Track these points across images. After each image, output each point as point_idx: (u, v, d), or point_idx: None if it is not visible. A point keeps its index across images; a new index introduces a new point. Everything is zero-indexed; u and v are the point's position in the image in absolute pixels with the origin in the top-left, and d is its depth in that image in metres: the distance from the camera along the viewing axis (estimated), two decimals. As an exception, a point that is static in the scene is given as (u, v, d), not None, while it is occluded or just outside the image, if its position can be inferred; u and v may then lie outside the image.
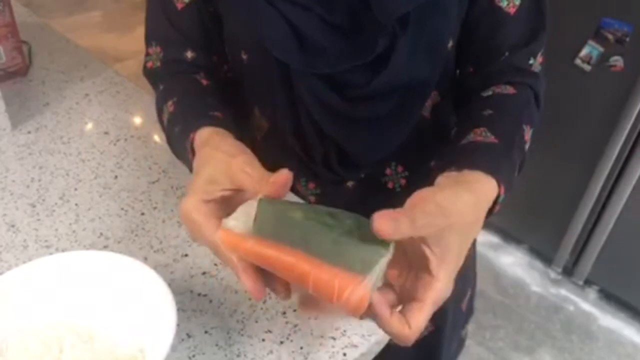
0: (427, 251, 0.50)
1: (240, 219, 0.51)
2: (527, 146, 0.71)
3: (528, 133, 0.72)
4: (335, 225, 0.49)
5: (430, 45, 0.74)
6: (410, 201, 0.52)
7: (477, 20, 0.75)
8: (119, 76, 1.13)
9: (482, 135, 0.66)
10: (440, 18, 0.73)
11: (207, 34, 0.81)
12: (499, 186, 0.59)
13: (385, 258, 0.47)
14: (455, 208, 0.52)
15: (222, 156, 0.57)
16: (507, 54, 0.77)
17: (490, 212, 0.60)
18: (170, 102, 0.75)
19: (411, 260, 0.52)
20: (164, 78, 0.81)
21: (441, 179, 0.58)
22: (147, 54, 0.84)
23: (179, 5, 0.78)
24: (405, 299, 0.51)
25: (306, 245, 0.48)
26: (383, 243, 0.47)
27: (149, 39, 0.83)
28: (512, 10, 0.74)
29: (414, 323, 0.50)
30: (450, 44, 0.76)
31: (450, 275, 0.51)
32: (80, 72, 1.13)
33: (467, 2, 0.74)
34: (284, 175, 0.53)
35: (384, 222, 0.47)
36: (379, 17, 0.69)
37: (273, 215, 0.50)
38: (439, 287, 0.50)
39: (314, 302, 0.55)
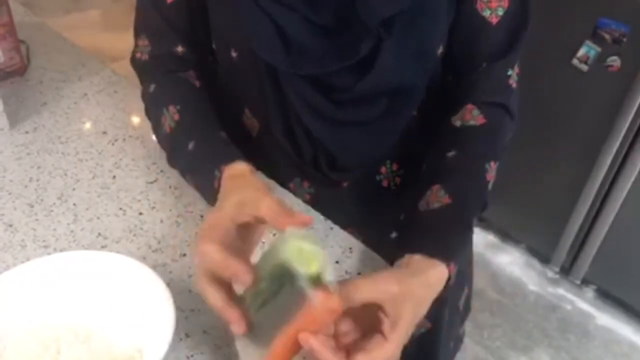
0: (382, 315, 0.54)
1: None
2: (490, 184, 0.74)
3: (493, 170, 0.75)
4: (262, 290, 0.52)
5: (418, 50, 0.74)
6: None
7: (459, 26, 0.76)
8: (117, 75, 1.13)
9: (437, 194, 0.70)
10: (428, 24, 0.73)
11: (197, 28, 0.82)
12: (449, 267, 0.63)
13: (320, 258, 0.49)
14: (412, 281, 0.58)
15: (253, 189, 0.60)
16: (484, 65, 0.77)
17: (445, 287, 0.64)
18: (172, 108, 0.76)
19: (363, 325, 0.56)
20: (155, 76, 0.82)
21: (398, 268, 0.64)
22: (136, 45, 0.85)
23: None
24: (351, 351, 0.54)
25: (273, 329, 0.51)
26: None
27: (138, 31, 0.84)
28: (494, 21, 0.75)
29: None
30: (440, 50, 0.76)
31: (400, 341, 0.55)
32: (78, 71, 1.13)
33: (454, 7, 0.74)
34: (308, 217, 0.55)
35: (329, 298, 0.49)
36: (364, 18, 0.69)
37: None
38: (388, 348, 0.54)
39: None
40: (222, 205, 0.60)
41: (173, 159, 0.78)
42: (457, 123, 0.77)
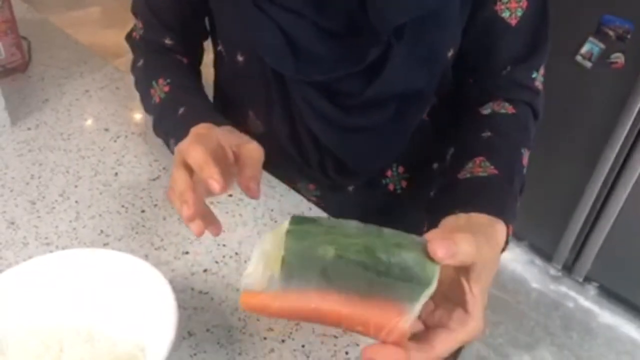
0: (467, 288, 0.49)
1: (259, 269, 0.47)
2: (525, 170, 0.71)
3: (526, 157, 0.72)
4: (371, 264, 0.45)
5: (428, 56, 0.73)
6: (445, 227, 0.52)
7: (479, 30, 0.74)
8: (119, 72, 1.12)
9: (481, 166, 0.66)
10: (438, 30, 0.72)
11: (187, 26, 0.83)
12: (507, 227, 0.58)
13: (424, 295, 0.44)
14: (487, 244, 0.52)
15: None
16: (508, 68, 0.76)
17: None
18: (162, 81, 0.77)
19: (447, 293, 0.50)
20: (145, 53, 0.85)
21: (451, 221, 0.57)
22: (135, 24, 0.87)
23: None
24: (432, 326, 0.50)
25: (339, 288, 0.45)
26: (423, 278, 0.44)
27: (135, 11, 0.86)
28: (513, 22, 0.73)
29: (439, 347, 0.48)
30: (451, 52, 0.75)
31: (482, 314, 0.50)
32: (80, 68, 1.13)
33: (468, 11, 0.73)
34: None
35: (440, 246, 0.45)
36: (376, 26, 0.68)
37: (301, 256, 0.46)
38: (473, 326, 0.49)
39: None
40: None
41: (159, 126, 0.77)
42: (487, 111, 0.75)
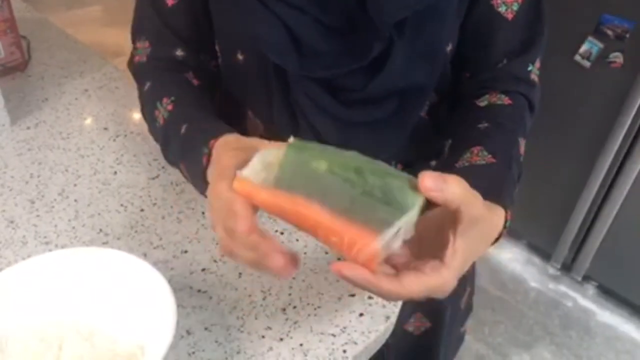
0: (451, 240, 0.49)
1: (257, 168, 0.51)
2: (522, 158, 0.72)
3: (523, 146, 0.73)
4: (358, 183, 0.47)
5: (428, 51, 0.74)
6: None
7: (476, 24, 0.75)
8: (119, 71, 1.12)
9: (479, 155, 0.67)
10: (437, 24, 0.72)
11: (199, 31, 0.80)
12: (506, 212, 0.59)
13: (400, 221, 0.46)
14: (479, 208, 0.52)
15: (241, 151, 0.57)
16: (505, 61, 0.77)
17: (496, 239, 0.59)
18: (166, 99, 0.74)
19: (422, 247, 0.51)
20: (150, 74, 0.80)
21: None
22: (136, 48, 0.83)
23: (169, 2, 0.77)
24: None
25: (323, 199, 0.48)
26: (402, 204, 0.46)
27: (137, 33, 0.82)
28: (509, 16, 0.74)
29: (407, 285, 0.48)
30: (450, 47, 0.76)
31: (457, 272, 0.50)
32: (79, 67, 1.13)
33: (465, 6, 0.74)
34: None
35: (429, 177, 0.46)
36: (377, 21, 0.68)
37: (296, 165, 0.49)
38: (445, 276, 0.49)
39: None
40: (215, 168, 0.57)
41: (167, 151, 0.74)
42: (483, 103, 0.77)
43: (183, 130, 0.69)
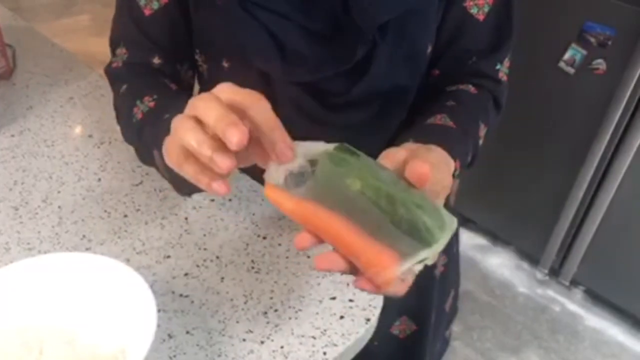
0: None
1: (297, 163, 0.53)
2: (480, 142, 0.75)
3: (483, 130, 0.75)
4: (387, 210, 0.48)
5: (410, 53, 0.75)
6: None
7: (449, 25, 0.77)
8: (104, 79, 1.13)
9: (441, 120, 0.70)
10: (419, 27, 0.74)
11: (176, 41, 0.79)
12: (455, 160, 0.60)
13: (422, 253, 0.47)
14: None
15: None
16: (474, 59, 0.79)
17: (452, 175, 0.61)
18: (147, 98, 0.72)
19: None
20: (127, 77, 0.78)
21: (407, 145, 0.59)
22: (114, 55, 0.82)
23: (147, 12, 0.77)
24: None
25: (351, 217, 0.48)
26: (426, 240, 0.47)
27: (116, 41, 0.82)
28: (481, 17, 0.76)
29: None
30: (429, 49, 0.78)
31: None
32: (64, 75, 1.14)
33: (442, 8, 0.75)
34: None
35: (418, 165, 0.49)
36: (361, 25, 0.70)
37: (329, 178, 0.50)
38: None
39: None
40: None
41: (140, 141, 0.70)
42: (452, 88, 0.80)
43: (166, 116, 0.65)
